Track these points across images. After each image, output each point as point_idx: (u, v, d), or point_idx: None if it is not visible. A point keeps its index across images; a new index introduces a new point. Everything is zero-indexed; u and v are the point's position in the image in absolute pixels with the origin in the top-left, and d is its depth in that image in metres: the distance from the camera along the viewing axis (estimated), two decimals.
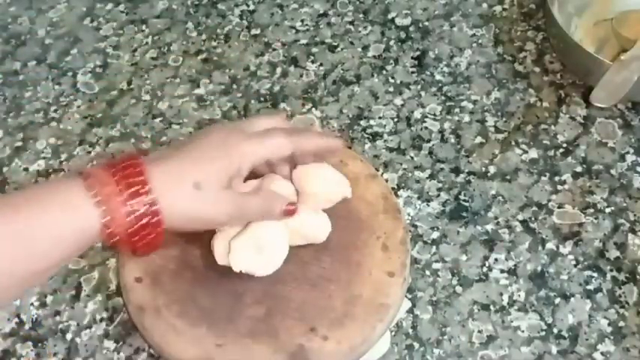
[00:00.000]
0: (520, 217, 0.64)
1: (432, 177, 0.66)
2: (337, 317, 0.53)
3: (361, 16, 0.79)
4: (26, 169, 0.68)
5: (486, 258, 0.62)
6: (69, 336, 0.58)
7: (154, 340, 0.54)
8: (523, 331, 0.58)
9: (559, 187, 0.65)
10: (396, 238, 0.57)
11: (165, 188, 0.44)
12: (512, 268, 0.61)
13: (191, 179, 0.45)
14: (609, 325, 0.58)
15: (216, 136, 0.48)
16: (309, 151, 0.52)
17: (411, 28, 0.77)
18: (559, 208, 0.64)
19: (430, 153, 0.68)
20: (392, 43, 0.76)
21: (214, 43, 0.77)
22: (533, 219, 0.64)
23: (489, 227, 0.63)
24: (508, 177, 0.66)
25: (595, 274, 0.61)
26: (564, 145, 0.68)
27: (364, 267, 0.56)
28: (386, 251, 0.56)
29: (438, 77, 0.73)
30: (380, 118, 0.70)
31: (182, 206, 0.45)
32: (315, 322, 0.52)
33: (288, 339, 0.52)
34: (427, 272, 0.61)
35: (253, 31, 0.78)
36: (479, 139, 0.69)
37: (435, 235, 0.63)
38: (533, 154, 0.68)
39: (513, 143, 0.68)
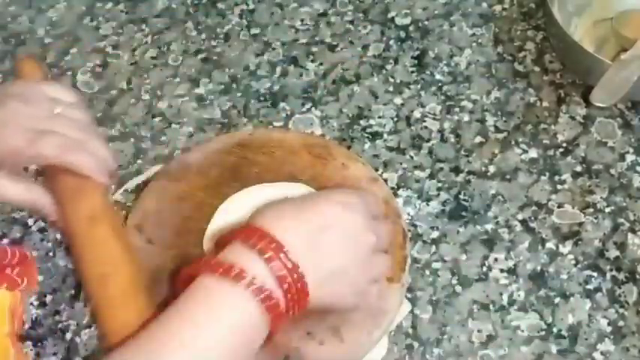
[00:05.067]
0: (520, 216, 0.64)
1: (431, 176, 0.66)
2: (334, 322, 0.52)
3: (361, 15, 0.78)
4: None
5: (486, 257, 0.62)
6: (68, 335, 0.58)
7: None
8: (523, 331, 0.58)
9: (559, 187, 0.65)
10: (396, 243, 0.57)
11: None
12: (512, 267, 0.61)
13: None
14: (609, 324, 0.58)
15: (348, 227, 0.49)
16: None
17: (411, 28, 0.77)
18: (559, 207, 0.64)
19: (430, 152, 0.68)
20: (392, 42, 0.76)
21: (214, 43, 0.77)
22: (532, 218, 0.64)
23: (489, 227, 0.63)
24: (508, 176, 0.66)
25: (595, 274, 0.61)
26: (564, 144, 0.68)
27: None
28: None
29: (437, 77, 0.73)
30: (380, 117, 0.70)
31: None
32: (311, 326, 0.52)
33: (285, 342, 0.51)
34: (427, 272, 0.61)
35: (253, 31, 0.78)
36: (478, 139, 0.69)
37: (435, 234, 0.63)
38: (533, 153, 0.68)
39: (513, 143, 0.68)
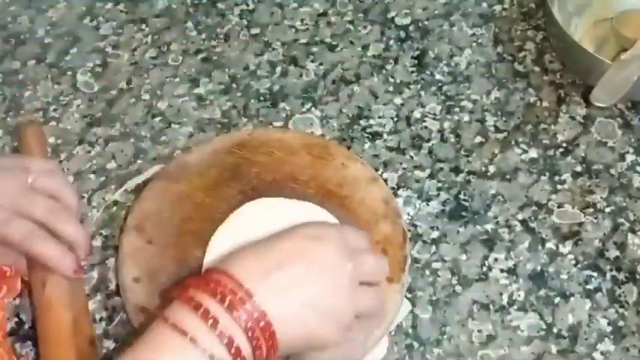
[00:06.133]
0: (520, 216, 0.64)
1: (431, 176, 0.66)
2: None
3: (361, 15, 0.78)
4: None
5: (486, 257, 0.62)
6: None
7: None
8: (523, 331, 0.58)
9: (559, 187, 0.65)
10: (396, 243, 0.57)
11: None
12: (512, 267, 0.61)
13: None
14: (609, 324, 0.58)
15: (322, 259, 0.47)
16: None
17: (411, 28, 0.77)
18: (559, 207, 0.64)
19: (430, 152, 0.68)
20: (392, 42, 0.76)
21: (214, 43, 0.77)
22: (532, 218, 0.64)
23: (489, 227, 0.63)
24: (508, 176, 0.66)
25: (595, 274, 0.61)
26: (564, 144, 0.68)
27: None
28: (385, 256, 0.56)
29: (437, 77, 0.73)
30: (380, 117, 0.70)
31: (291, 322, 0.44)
32: None
33: None
34: (427, 272, 0.61)
35: (253, 31, 0.78)
36: (478, 139, 0.69)
37: (435, 234, 0.63)
38: (533, 153, 0.68)
39: (513, 143, 0.68)
